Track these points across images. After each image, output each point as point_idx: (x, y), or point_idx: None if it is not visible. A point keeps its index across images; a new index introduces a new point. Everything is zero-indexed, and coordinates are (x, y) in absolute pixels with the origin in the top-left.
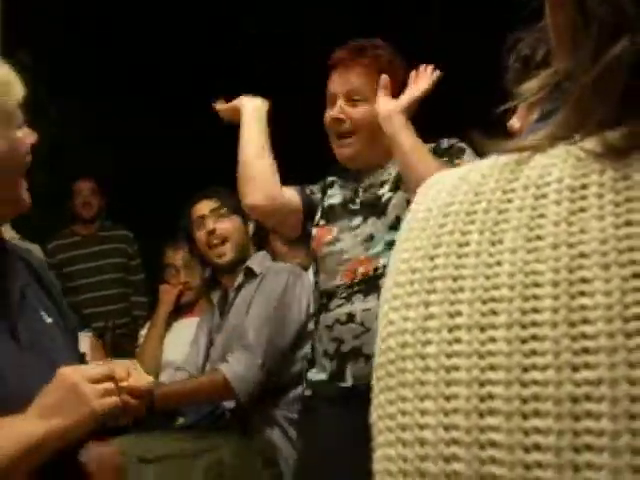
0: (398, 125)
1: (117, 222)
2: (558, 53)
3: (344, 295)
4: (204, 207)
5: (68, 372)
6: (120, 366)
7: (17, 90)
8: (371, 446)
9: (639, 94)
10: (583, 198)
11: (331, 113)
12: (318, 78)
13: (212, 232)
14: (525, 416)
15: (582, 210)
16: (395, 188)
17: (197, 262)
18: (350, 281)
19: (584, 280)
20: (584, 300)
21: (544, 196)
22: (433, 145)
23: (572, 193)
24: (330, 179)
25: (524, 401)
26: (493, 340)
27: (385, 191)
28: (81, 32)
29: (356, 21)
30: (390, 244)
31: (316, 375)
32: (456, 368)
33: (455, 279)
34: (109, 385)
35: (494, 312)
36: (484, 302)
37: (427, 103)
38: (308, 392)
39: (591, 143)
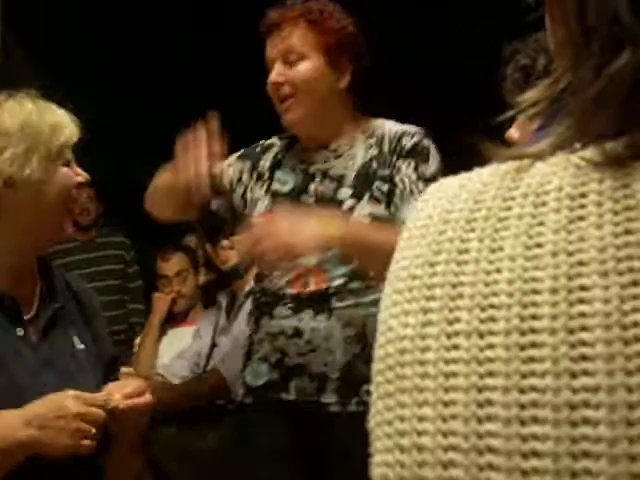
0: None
1: (114, 229)
2: (559, 65)
3: (291, 306)
4: None
5: (70, 399)
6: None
7: (66, 132)
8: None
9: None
10: (582, 206)
11: (271, 78)
12: None
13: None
14: (523, 422)
15: (581, 218)
16: (358, 194)
17: (191, 270)
18: (298, 292)
19: (583, 288)
20: (583, 307)
21: (544, 204)
22: (395, 140)
23: (571, 201)
24: (276, 155)
25: (522, 407)
26: (492, 347)
27: (345, 196)
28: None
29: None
30: (345, 263)
31: (254, 380)
32: (455, 374)
33: (454, 286)
34: (93, 429)
35: (493, 319)
36: (483, 309)
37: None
38: (248, 400)
39: (591, 152)
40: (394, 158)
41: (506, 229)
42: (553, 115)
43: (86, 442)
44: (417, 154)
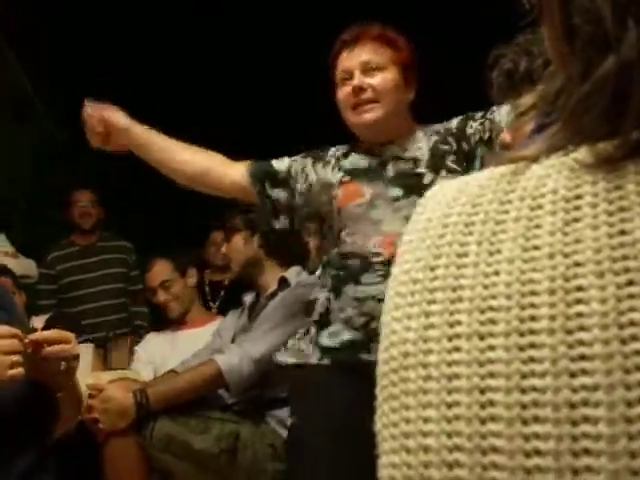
0: None
1: (116, 232)
2: (554, 65)
3: (381, 272)
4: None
5: None
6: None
7: None
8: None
9: (627, 108)
10: (577, 208)
11: (353, 83)
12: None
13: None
14: (525, 422)
15: (576, 220)
16: (434, 170)
17: (175, 274)
18: (390, 255)
19: (580, 288)
20: (580, 308)
21: (540, 207)
22: (443, 128)
23: (567, 204)
24: (342, 151)
25: (524, 407)
26: (492, 348)
27: (424, 170)
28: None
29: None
30: None
31: (331, 341)
32: (457, 376)
33: (454, 289)
34: (16, 358)
35: (492, 321)
36: (482, 311)
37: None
38: (326, 361)
39: (584, 154)
40: (450, 138)
41: (504, 232)
42: (548, 117)
43: (15, 371)
44: (472, 114)
